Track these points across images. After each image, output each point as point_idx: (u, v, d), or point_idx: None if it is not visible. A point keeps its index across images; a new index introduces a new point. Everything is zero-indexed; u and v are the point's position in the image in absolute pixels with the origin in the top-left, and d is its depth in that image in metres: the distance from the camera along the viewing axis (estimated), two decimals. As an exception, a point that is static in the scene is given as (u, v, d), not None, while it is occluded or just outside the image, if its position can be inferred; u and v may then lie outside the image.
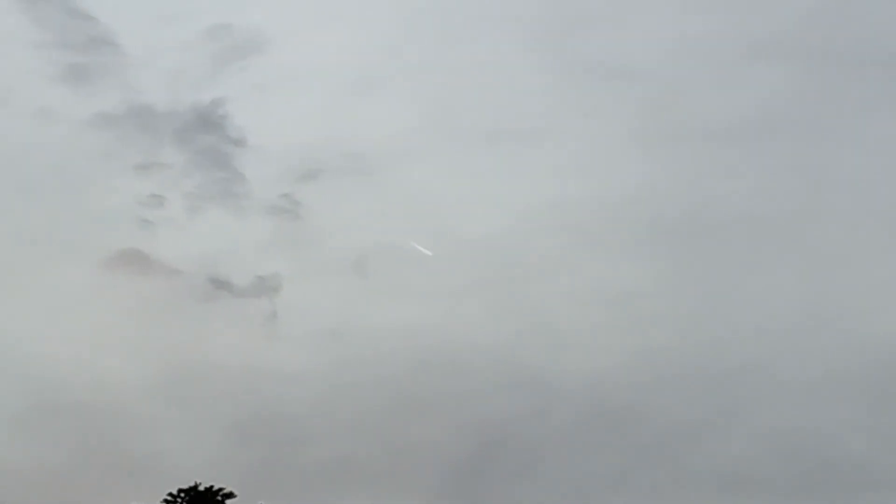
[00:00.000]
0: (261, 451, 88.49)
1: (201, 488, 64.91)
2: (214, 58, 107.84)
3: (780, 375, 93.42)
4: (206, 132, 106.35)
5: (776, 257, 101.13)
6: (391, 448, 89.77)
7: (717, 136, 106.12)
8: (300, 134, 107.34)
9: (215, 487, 65.36)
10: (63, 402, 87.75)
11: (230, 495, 65.20)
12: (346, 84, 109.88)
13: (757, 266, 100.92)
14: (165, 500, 64.43)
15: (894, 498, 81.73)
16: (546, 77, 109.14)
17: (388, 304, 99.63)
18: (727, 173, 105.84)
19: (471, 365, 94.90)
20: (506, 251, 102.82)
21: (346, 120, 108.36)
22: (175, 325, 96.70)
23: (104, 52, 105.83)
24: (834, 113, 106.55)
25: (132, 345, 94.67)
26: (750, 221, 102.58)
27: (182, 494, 64.70)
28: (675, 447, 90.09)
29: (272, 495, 78.13)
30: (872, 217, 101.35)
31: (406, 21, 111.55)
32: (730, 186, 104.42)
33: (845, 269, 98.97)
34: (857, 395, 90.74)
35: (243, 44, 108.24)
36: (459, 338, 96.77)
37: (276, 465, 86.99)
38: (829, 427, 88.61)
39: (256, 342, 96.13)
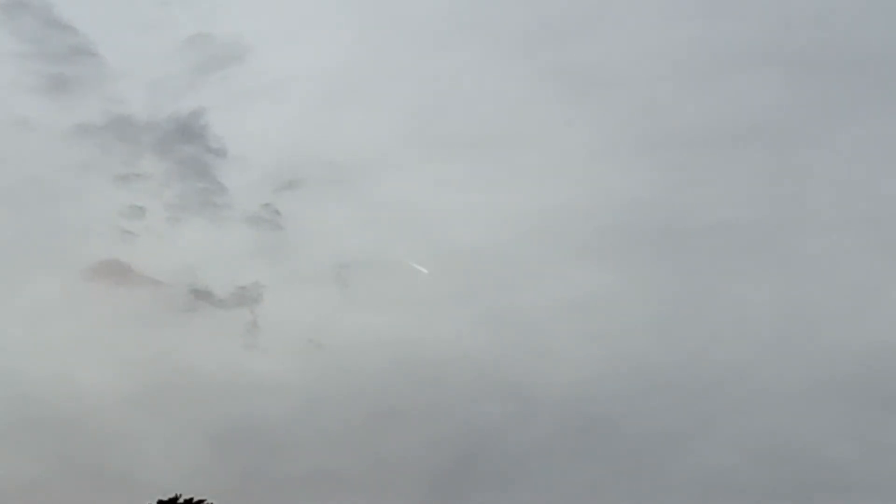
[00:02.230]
0: (241, 461, 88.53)
1: (181, 500, 65.00)
2: (194, 67, 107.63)
3: (760, 383, 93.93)
4: (186, 142, 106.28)
5: (756, 264, 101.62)
6: (372, 458, 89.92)
7: (699, 143, 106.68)
8: (281, 143, 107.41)
9: (196, 499, 65.48)
10: (41, 414, 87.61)
11: (209, 507, 65.42)
12: (326, 93, 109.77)
13: (738, 273, 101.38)
14: (145, 513, 64.62)
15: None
16: (526, 85, 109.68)
17: (368, 314, 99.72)
18: (709, 180, 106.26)
19: (451, 375, 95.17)
20: (486, 260, 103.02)
21: (326, 129, 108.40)
22: (155, 336, 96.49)
23: (84, 62, 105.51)
24: (814, 120, 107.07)
25: (112, 356, 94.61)
26: (730, 228, 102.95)
27: (160, 506, 64.93)
28: (656, 455, 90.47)
29: (253, 506, 78.33)
30: (853, 223, 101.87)
31: (386, 29, 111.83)
32: (712, 193, 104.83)
33: (826, 275, 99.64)
34: (839, 401, 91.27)
35: (223, 53, 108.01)
36: (440, 348, 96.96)
37: (256, 475, 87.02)
38: (811, 434, 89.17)
39: (237, 352, 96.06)
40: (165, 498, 64.59)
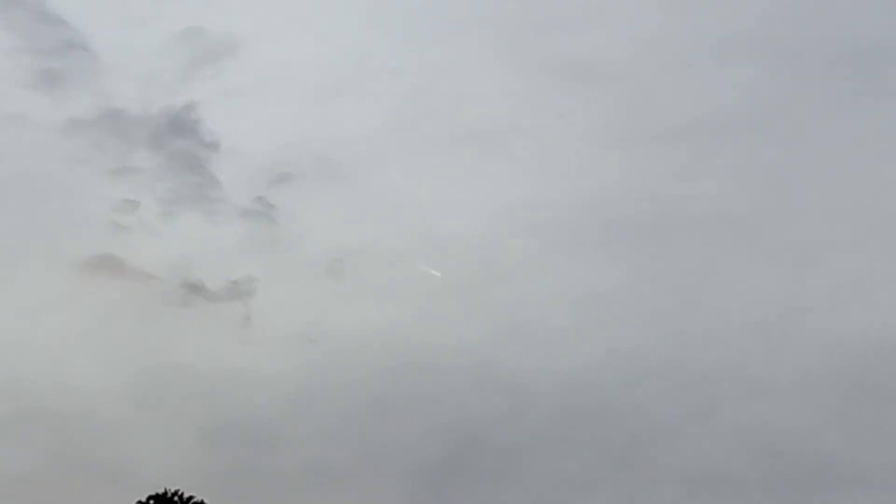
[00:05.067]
0: (234, 455, 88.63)
1: (169, 494, 65.16)
2: (187, 61, 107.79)
3: (753, 374, 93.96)
4: (179, 136, 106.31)
5: (748, 255, 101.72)
6: (365, 450, 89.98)
7: (687, 134, 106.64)
8: (274, 137, 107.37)
9: (186, 495, 65.63)
10: (33, 408, 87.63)
11: (199, 504, 65.62)
12: (318, 87, 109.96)
13: (729, 264, 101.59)
14: (134, 508, 64.82)
15: (869, 495, 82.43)
16: (515, 78, 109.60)
17: (362, 307, 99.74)
18: (697, 172, 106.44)
19: (445, 366, 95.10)
20: (479, 252, 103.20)
21: (319, 123, 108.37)
22: (148, 331, 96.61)
23: (76, 56, 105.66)
24: (802, 111, 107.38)
25: (105, 350, 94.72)
26: (721, 220, 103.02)
27: (150, 502, 64.95)
28: (649, 447, 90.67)
29: (246, 500, 78.50)
30: (842, 214, 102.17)
31: (377, 24, 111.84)
32: (700, 185, 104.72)
33: (816, 266, 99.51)
34: (831, 392, 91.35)
35: (216, 47, 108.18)
36: (433, 339, 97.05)
37: (249, 469, 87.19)
38: (804, 425, 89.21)
39: (230, 346, 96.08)
40: (154, 493, 64.78)
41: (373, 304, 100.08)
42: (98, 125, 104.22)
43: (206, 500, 66.15)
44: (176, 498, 65.37)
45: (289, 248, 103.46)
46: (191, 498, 65.14)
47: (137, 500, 65.32)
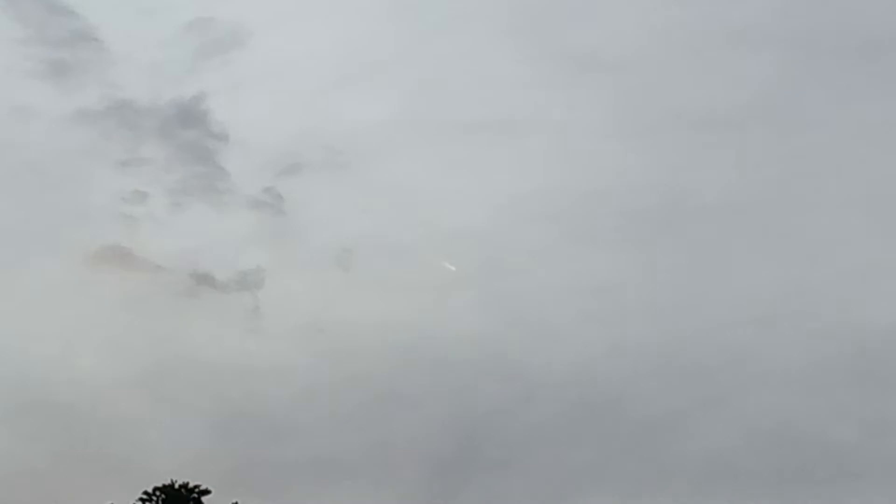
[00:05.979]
0: (243, 447, 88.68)
1: (177, 486, 65.18)
2: (196, 52, 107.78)
3: (763, 365, 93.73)
4: (187, 127, 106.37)
5: (758, 246, 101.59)
6: (374, 442, 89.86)
7: (697, 124, 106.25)
8: (282, 128, 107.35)
9: (191, 484, 65.62)
10: (42, 398, 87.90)
11: (205, 492, 65.44)
12: (327, 77, 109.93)
13: (739, 255, 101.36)
14: (140, 499, 64.63)
15: (879, 486, 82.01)
16: (525, 67, 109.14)
17: (371, 298, 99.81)
18: (707, 162, 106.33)
19: (453, 358, 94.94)
20: (488, 243, 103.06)
21: (327, 113, 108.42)
22: (157, 322, 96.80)
23: (85, 47, 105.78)
24: (815, 101, 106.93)
25: (113, 342, 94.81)
26: (731, 210, 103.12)
27: (157, 493, 64.95)
28: (658, 438, 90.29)
29: (254, 492, 78.40)
30: (853, 205, 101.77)
31: (386, 14, 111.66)
32: (710, 175, 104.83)
33: (827, 257, 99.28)
34: (841, 383, 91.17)
35: (224, 38, 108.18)
36: (442, 331, 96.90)
37: (258, 461, 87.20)
38: (813, 416, 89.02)
39: (239, 337, 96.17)
40: (160, 484, 64.79)
41: (381, 295, 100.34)
42: (107, 116, 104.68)
43: (212, 490, 66.10)
44: (183, 490, 65.39)
45: (297, 239, 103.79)
46: (196, 487, 65.07)
47: (143, 490, 65.26)
